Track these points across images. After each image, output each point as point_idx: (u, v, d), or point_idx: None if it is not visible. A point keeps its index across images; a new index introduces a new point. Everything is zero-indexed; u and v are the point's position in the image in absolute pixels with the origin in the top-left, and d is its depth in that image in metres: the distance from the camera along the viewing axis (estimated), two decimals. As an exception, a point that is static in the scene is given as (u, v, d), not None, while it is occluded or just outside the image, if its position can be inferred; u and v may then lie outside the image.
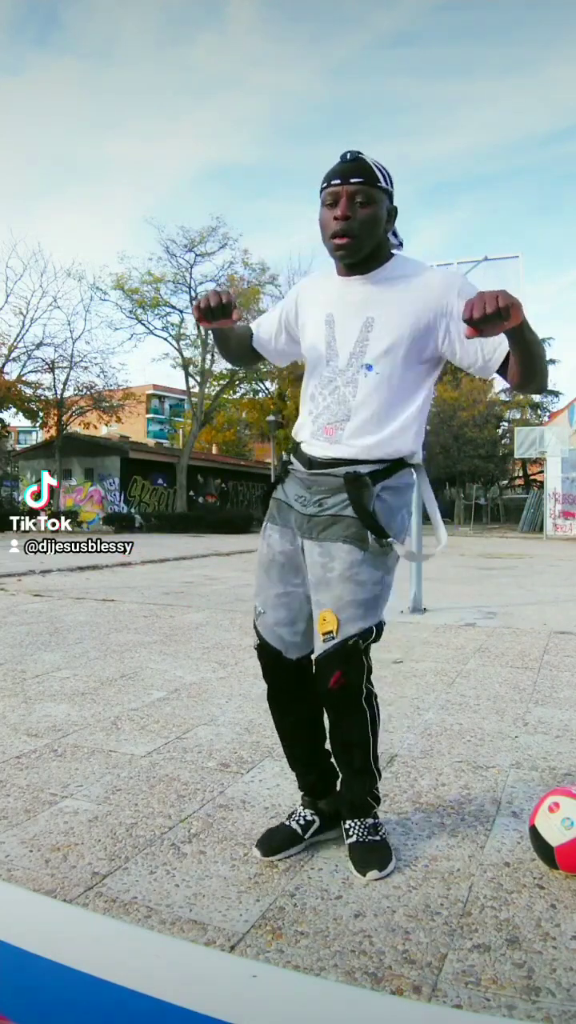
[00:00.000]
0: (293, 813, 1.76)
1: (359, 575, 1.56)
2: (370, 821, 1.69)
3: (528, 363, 1.43)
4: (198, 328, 26.15)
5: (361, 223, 1.51)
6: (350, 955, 1.31)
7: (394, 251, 1.64)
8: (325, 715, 1.73)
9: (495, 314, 1.24)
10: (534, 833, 1.65)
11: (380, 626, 1.62)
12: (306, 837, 1.71)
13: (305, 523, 1.62)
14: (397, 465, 1.61)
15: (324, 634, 1.58)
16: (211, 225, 25.26)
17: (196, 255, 25.34)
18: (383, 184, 1.52)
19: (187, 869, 1.63)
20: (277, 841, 1.68)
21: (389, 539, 1.57)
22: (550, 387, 39.81)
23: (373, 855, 1.63)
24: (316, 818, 1.73)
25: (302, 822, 1.72)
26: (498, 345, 1.49)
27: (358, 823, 1.68)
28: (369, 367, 1.56)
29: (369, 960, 1.30)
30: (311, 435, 1.63)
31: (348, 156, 1.51)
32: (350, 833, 1.68)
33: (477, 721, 2.75)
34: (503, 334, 1.35)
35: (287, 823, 1.73)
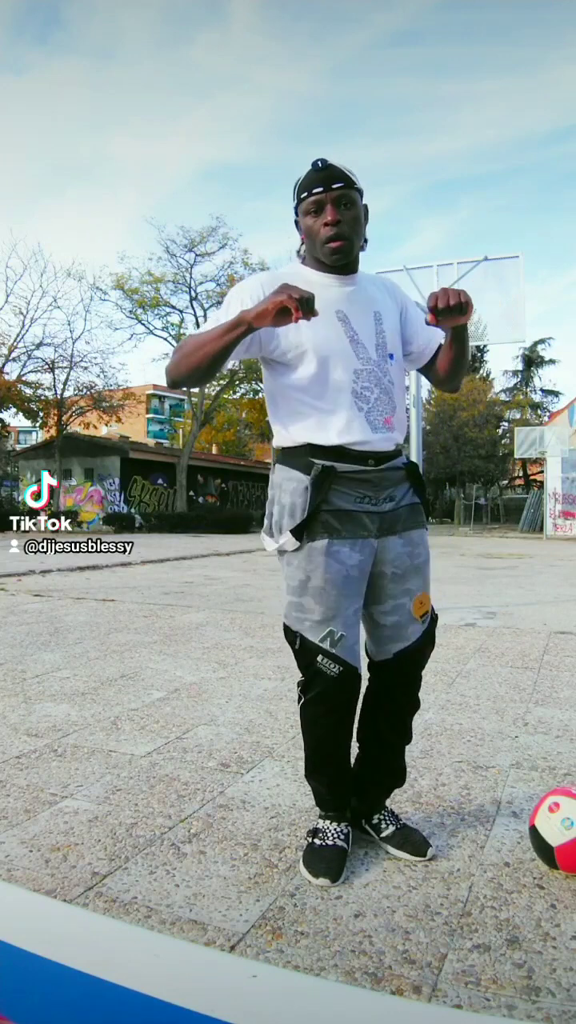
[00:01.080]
0: (324, 831, 1.67)
1: (429, 553, 1.72)
2: (390, 808, 1.77)
3: (460, 358, 1.64)
4: (197, 327, 26.19)
5: (350, 225, 1.55)
6: (350, 955, 1.31)
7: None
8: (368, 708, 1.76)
9: (456, 307, 1.41)
10: (534, 833, 1.65)
11: None
12: (349, 849, 1.68)
13: (385, 521, 1.61)
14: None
15: (422, 616, 1.67)
16: (211, 225, 25.34)
17: (196, 255, 25.36)
18: (359, 185, 1.56)
19: (187, 869, 1.63)
20: (337, 864, 1.60)
21: (430, 518, 1.74)
22: (550, 387, 39.94)
23: (418, 836, 1.70)
24: (350, 828, 1.72)
25: (342, 836, 1.67)
26: (431, 339, 1.70)
27: (388, 813, 1.75)
28: (391, 356, 1.64)
29: (369, 960, 1.30)
30: (373, 430, 1.58)
31: (320, 164, 1.53)
32: (386, 824, 1.73)
33: (477, 721, 2.76)
34: (439, 331, 1.60)
35: (332, 843, 1.65)
